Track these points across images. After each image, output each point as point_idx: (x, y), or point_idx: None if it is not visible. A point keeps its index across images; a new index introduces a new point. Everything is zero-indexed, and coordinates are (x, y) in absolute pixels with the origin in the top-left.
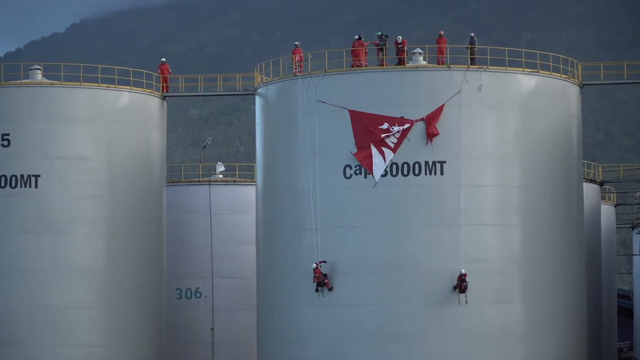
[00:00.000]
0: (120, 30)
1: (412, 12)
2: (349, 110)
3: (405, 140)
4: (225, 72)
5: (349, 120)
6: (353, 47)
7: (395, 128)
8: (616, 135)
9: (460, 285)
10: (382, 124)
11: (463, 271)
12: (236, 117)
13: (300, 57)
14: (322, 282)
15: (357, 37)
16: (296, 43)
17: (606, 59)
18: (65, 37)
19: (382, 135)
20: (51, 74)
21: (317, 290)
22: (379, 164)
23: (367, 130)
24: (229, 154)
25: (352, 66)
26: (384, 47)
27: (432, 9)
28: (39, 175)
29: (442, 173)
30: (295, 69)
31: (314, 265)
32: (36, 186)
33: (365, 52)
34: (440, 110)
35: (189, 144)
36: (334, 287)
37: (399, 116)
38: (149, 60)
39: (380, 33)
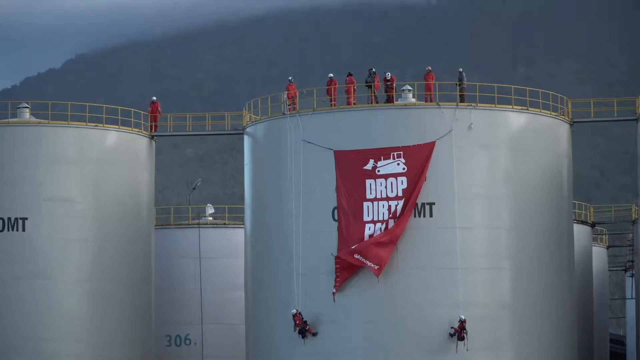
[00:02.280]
0: (117, 66)
1: (408, 49)
2: (334, 151)
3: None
4: (222, 109)
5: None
6: (327, 85)
7: (381, 163)
8: (612, 174)
9: (461, 332)
10: (367, 162)
11: (463, 317)
12: (232, 157)
13: (293, 93)
14: (303, 328)
15: (330, 75)
16: (290, 78)
17: (602, 94)
18: (61, 73)
19: (367, 180)
20: (40, 112)
21: (301, 337)
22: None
23: (351, 172)
24: (225, 195)
25: (331, 106)
26: (371, 84)
27: (427, 45)
28: (27, 218)
29: (431, 215)
30: (285, 107)
31: (294, 312)
32: (24, 229)
33: (354, 89)
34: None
35: (184, 185)
36: (321, 335)
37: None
38: (145, 96)
39: (373, 69)
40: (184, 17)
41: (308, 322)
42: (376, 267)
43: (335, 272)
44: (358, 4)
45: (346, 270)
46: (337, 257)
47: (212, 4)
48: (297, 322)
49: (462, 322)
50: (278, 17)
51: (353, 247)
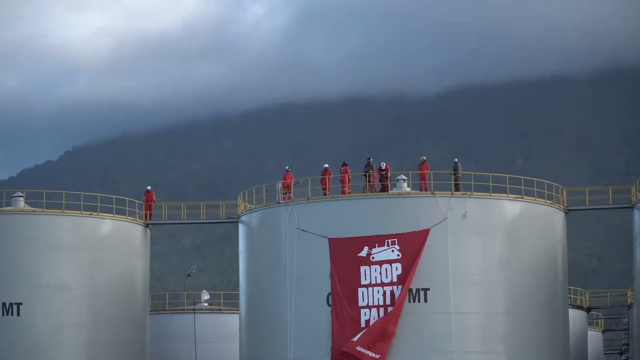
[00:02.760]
0: (114, 157)
1: (406, 140)
2: (328, 239)
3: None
4: (218, 200)
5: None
6: (322, 175)
7: (375, 250)
8: (609, 262)
9: None
10: (362, 249)
11: None
12: (229, 246)
13: (289, 182)
14: None
15: (325, 166)
16: (287, 167)
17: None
18: (58, 165)
19: (361, 267)
20: (35, 201)
21: None
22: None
23: (345, 259)
24: (222, 283)
25: (324, 195)
26: (367, 173)
27: (425, 137)
28: (21, 303)
29: (425, 300)
30: (280, 196)
31: None
32: (18, 314)
33: (349, 179)
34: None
35: (181, 273)
36: None
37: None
38: (142, 187)
39: (371, 159)
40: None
41: None
42: (377, 357)
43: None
44: (356, 96)
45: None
46: (342, 352)
47: (210, 97)
48: None
49: None
50: (276, 110)
51: (355, 340)
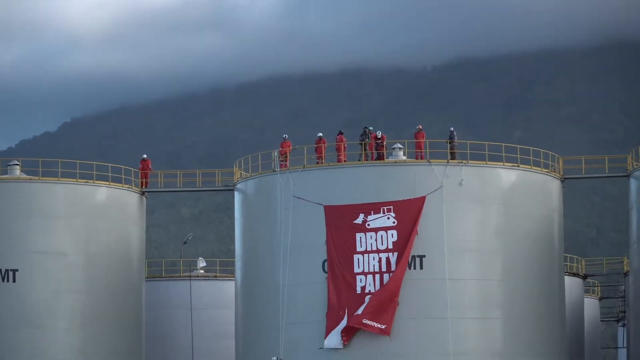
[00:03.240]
0: (112, 129)
1: (404, 112)
2: (324, 206)
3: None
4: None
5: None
6: (316, 144)
7: (371, 217)
8: (607, 231)
9: None
10: (357, 216)
11: None
12: (227, 216)
13: (286, 150)
14: None
15: (319, 135)
16: (284, 136)
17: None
18: (57, 135)
19: (357, 234)
20: (32, 169)
21: None
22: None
23: (341, 226)
24: (220, 252)
25: (317, 163)
26: (363, 142)
27: (423, 109)
28: (17, 270)
29: (421, 267)
30: (276, 164)
31: (274, 359)
32: (14, 280)
33: (344, 147)
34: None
35: (180, 242)
36: None
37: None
38: (140, 158)
39: (370, 128)
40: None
41: None
42: (384, 327)
43: (341, 334)
44: (354, 68)
45: (351, 331)
46: (348, 326)
47: (208, 69)
48: None
49: None
50: (274, 82)
51: (359, 313)
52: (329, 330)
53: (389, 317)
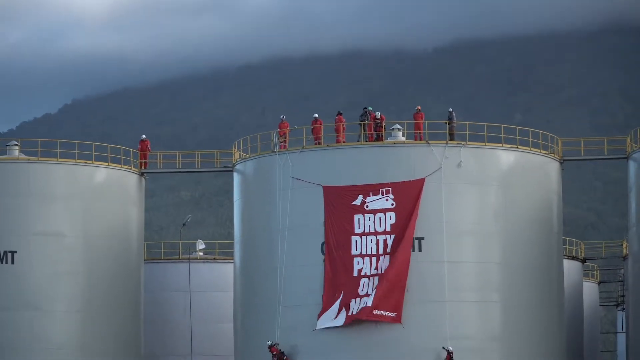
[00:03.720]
0: (113, 111)
1: (404, 94)
2: (322, 186)
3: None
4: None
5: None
6: (313, 125)
7: (369, 199)
8: (607, 216)
9: None
10: (356, 197)
11: (451, 348)
12: (227, 199)
13: (284, 131)
14: (280, 359)
15: (315, 116)
16: (282, 116)
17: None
18: (57, 117)
19: (355, 215)
20: (31, 149)
21: None
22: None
23: (339, 207)
24: (221, 236)
25: (316, 144)
26: (364, 122)
27: (424, 91)
28: (16, 252)
29: (420, 249)
30: (276, 145)
31: (269, 343)
32: (12, 262)
33: (344, 128)
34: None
35: (179, 225)
36: None
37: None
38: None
39: (369, 108)
40: (180, 64)
41: (285, 353)
42: (394, 315)
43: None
44: (355, 50)
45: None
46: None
47: (209, 51)
48: (274, 352)
49: (450, 354)
50: (275, 64)
51: (369, 305)
52: (322, 312)
53: (399, 304)
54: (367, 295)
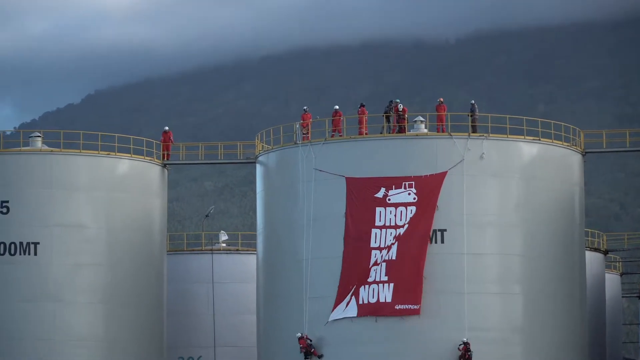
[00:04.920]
0: (135, 101)
1: (426, 86)
2: (345, 177)
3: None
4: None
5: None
6: (333, 116)
7: (392, 192)
8: (631, 207)
9: (466, 354)
10: (378, 190)
11: (466, 340)
12: (251, 189)
13: (307, 122)
14: (309, 351)
15: (335, 107)
16: (305, 108)
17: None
18: (80, 108)
19: (377, 208)
20: (54, 141)
21: (305, 359)
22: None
23: (361, 199)
24: (244, 226)
25: (332, 136)
26: (388, 114)
27: (447, 82)
28: (38, 243)
29: (442, 241)
30: (299, 137)
31: (299, 335)
32: (35, 254)
33: (366, 120)
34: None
35: (203, 216)
36: (329, 356)
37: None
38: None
39: (397, 100)
40: (203, 54)
41: (313, 345)
42: (417, 307)
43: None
44: (377, 42)
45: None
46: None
47: (232, 42)
48: (302, 345)
49: (466, 345)
50: (297, 55)
51: (389, 301)
52: (336, 305)
53: (418, 295)
54: (375, 282)
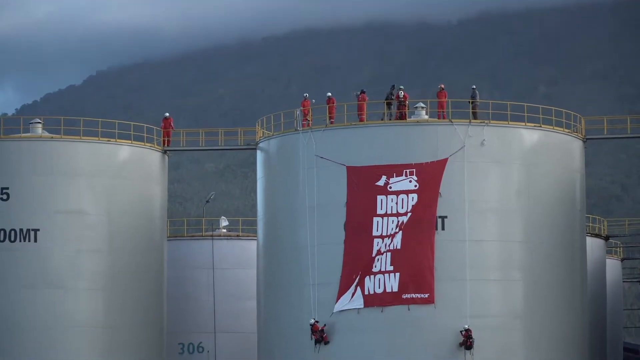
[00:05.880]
0: (137, 82)
1: (429, 67)
2: (346, 166)
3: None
4: (242, 125)
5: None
6: (327, 103)
7: (393, 180)
8: (632, 188)
9: (467, 341)
10: (379, 178)
11: (467, 326)
12: (252, 170)
13: (307, 109)
14: (320, 337)
15: (328, 94)
16: (305, 94)
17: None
18: (81, 89)
19: (378, 196)
20: (54, 127)
21: (315, 345)
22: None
23: (362, 188)
24: (245, 207)
25: (331, 123)
26: (391, 100)
27: (449, 64)
28: (39, 230)
29: (443, 228)
30: (299, 123)
31: (312, 321)
32: (35, 240)
33: (366, 106)
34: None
35: (204, 197)
36: (335, 343)
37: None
38: (165, 112)
39: (401, 87)
40: (205, 35)
41: (325, 331)
42: (427, 296)
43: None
44: (380, 23)
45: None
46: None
47: (234, 23)
48: (315, 330)
49: (467, 331)
50: (300, 36)
51: (396, 291)
52: (340, 295)
53: (430, 284)
54: (381, 272)
